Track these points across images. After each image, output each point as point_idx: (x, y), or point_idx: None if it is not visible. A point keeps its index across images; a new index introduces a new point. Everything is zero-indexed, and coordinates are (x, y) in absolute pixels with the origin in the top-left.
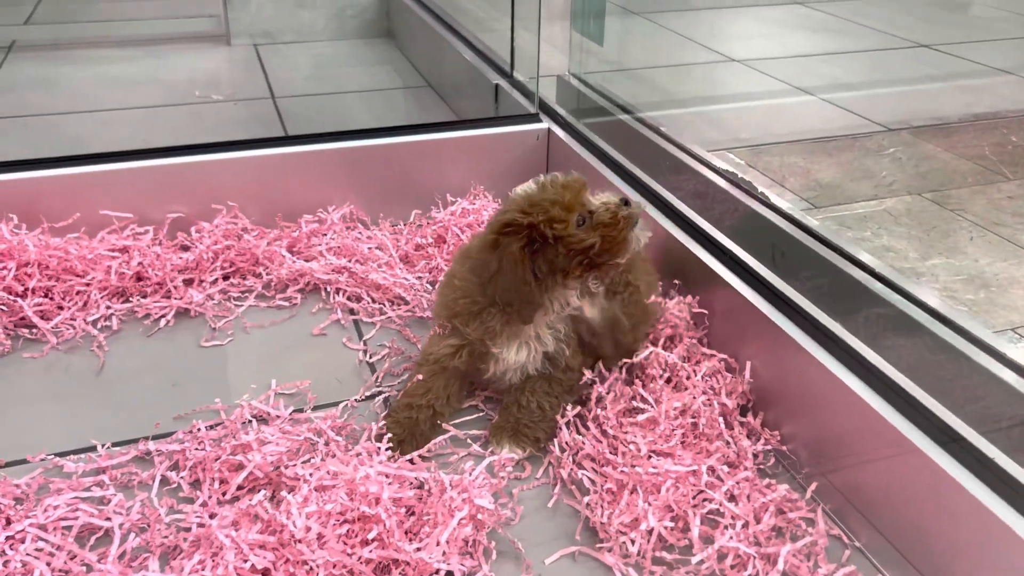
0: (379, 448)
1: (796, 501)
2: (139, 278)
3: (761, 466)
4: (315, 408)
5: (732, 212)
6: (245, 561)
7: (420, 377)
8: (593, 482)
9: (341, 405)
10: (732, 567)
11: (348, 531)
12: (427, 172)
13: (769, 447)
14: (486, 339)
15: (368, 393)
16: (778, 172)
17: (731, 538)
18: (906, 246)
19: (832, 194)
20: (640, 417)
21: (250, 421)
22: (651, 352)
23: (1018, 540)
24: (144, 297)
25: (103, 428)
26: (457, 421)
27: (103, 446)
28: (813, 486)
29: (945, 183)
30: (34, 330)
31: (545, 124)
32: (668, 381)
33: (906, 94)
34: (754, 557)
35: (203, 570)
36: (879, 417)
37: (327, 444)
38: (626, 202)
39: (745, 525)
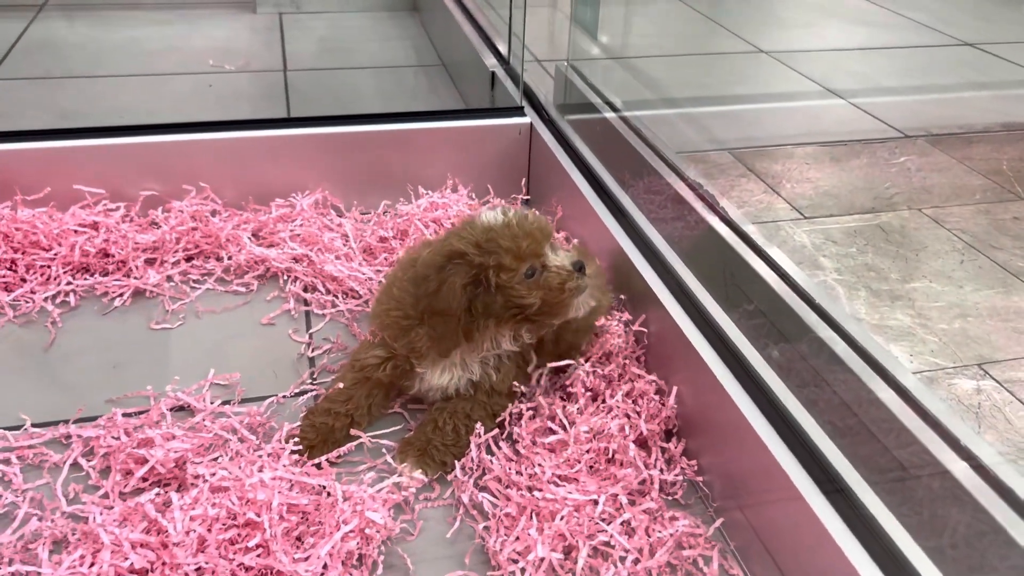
0: (285, 450)
1: (698, 536)
2: (105, 255)
3: (673, 496)
4: (243, 401)
5: (689, 228)
6: (126, 559)
7: (341, 385)
8: (495, 505)
9: (267, 401)
10: None
11: (233, 536)
12: (405, 162)
13: (683, 477)
14: (412, 358)
15: (297, 391)
16: (775, 177)
17: (615, 573)
18: (890, 266)
19: (826, 204)
20: (550, 439)
21: (165, 415)
22: (575, 369)
23: None
24: (106, 275)
25: (36, 406)
26: (378, 430)
27: (21, 428)
28: (718, 522)
29: (950, 198)
30: None
31: (528, 119)
32: (594, 399)
33: (933, 98)
34: None
35: (81, 566)
36: (772, 459)
37: (241, 441)
38: (581, 268)
39: (636, 560)
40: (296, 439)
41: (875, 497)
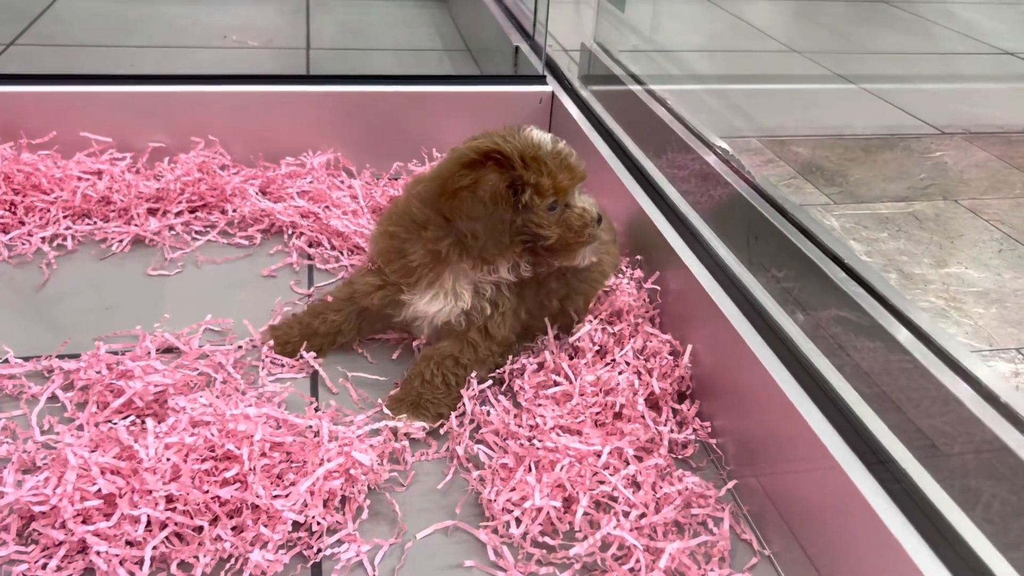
0: (281, 384)
1: (708, 497)
2: (107, 202)
3: (682, 457)
4: (238, 346)
5: (713, 191)
6: (93, 484)
7: (330, 298)
8: (490, 456)
9: (251, 341)
10: (615, 558)
11: (210, 468)
12: (421, 125)
13: (695, 438)
14: (402, 284)
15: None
16: (804, 165)
17: (616, 526)
18: (922, 251)
19: (857, 192)
20: (553, 390)
21: (150, 351)
22: (579, 324)
23: None
24: (106, 221)
25: (22, 342)
26: (370, 379)
27: (2, 359)
28: (731, 484)
29: (988, 191)
30: None
31: (550, 87)
32: (603, 356)
33: (970, 99)
34: (639, 549)
35: (45, 487)
36: (806, 425)
37: (224, 383)
38: (599, 220)
39: (642, 515)
40: (272, 335)
41: (922, 470)
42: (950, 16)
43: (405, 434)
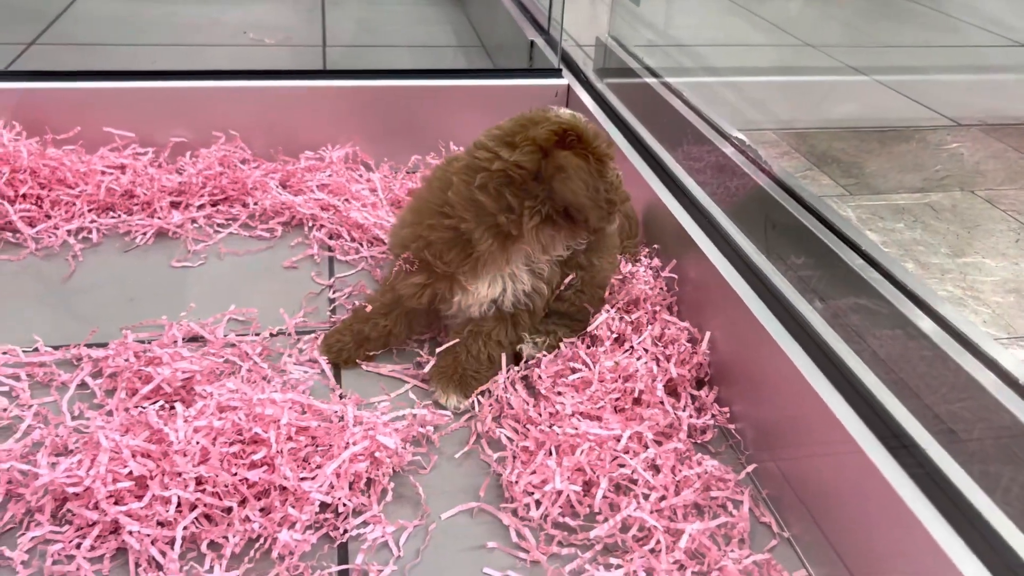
0: (304, 372)
1: (727, 481)
2: (130, 195)
3: (701, 441)
4: (257, 334)
5: (730, 181)
6: (125, 466)
7: (369, 307)
8: (511, 440)
9: (282, 335)
10: (636, 539)
11: (238, 451)
12: (437, 119)
13: (714, 423)
14: (459, 274)
15: (314, 327)
16: (820, 157)
17: (637, 508)
18: (939, 241)
19: (873, 183)
20: (572, 376)
21: (177, 339)
22: (604, 316)
23: (946, 559)
24: (130, 215)
25: (51, 333)
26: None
27: (32, 348)
28: (750, 467)
29: (1005, 182)
30: (17, 235)
31: (565, 80)
32: (621, 344)
33: (986, 91)
34: (659, 530)
35: (79, 469)
36: (827, 410)
37: (249, 371)
38: None
39: (662, 498)
40: (325, 346)
41: (944, 454)
42: (966, 9)
43: (454, 407)
